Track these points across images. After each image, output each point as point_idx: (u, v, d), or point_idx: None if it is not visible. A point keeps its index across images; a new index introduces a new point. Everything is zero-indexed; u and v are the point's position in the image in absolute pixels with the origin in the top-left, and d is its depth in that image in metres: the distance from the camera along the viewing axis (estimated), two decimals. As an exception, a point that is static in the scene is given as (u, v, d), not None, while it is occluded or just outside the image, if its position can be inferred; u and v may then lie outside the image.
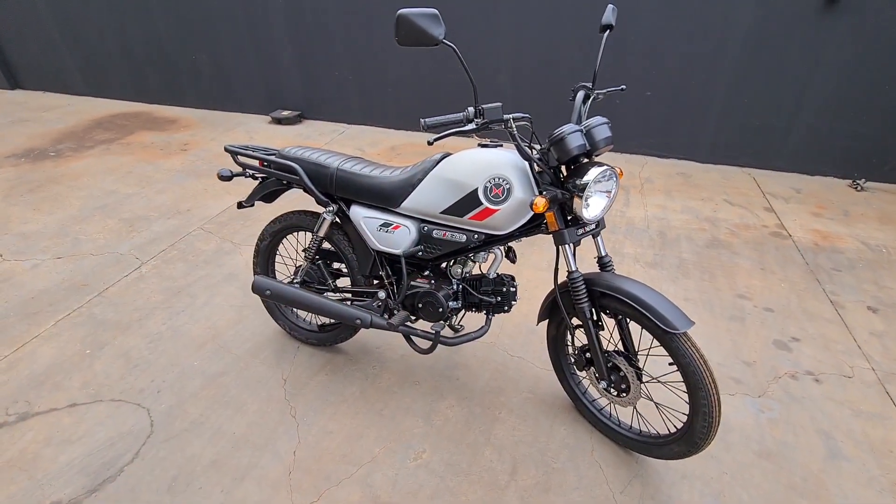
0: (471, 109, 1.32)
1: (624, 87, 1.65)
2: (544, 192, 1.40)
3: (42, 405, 1.88)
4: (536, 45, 4.14)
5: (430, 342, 1.71)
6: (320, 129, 5.05)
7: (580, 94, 1.55)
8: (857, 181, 3.75)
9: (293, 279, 1.98)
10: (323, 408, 1.87)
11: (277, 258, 2.56)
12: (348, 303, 1.90)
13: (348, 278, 2.00)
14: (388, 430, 1.78)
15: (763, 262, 2.79)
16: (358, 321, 1.75)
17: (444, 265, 1.81)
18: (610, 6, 1.57)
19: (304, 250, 1.94)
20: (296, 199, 3.46)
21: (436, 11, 1.18)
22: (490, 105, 1.30)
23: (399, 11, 1.16)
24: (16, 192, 3.64)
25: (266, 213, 3.31)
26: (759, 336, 2.23)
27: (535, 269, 2.73)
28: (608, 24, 1.54)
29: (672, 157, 4.27)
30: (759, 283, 2.60)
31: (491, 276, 1.70)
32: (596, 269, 1.58)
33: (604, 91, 1.60)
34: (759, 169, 4.06)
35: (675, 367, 1.38)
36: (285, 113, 5.21)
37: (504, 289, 1.69)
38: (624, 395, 1.55)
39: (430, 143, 1.29)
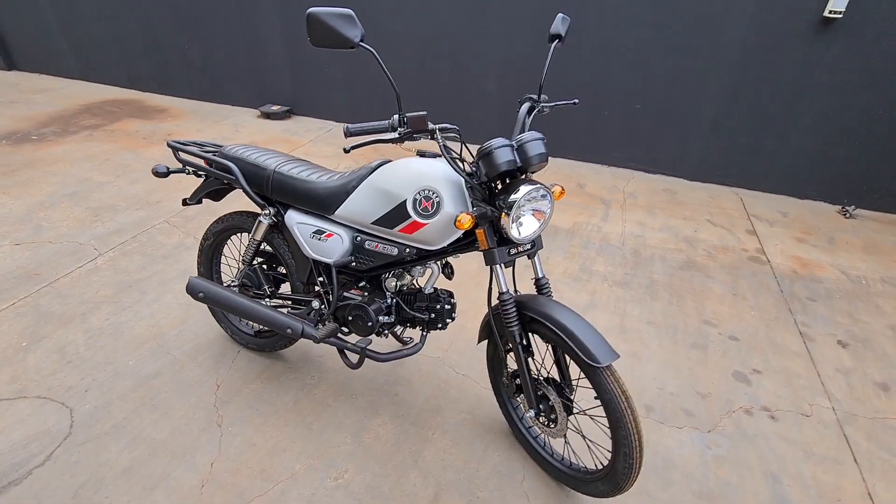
0: (396, 117, 1.25)
1: (577, 101, 1.57)
2: (473, 209, 1.32)
3: (-36, 398, 1.82)
4: (525, 50, 4.05)
5: (358, 356, 1.63)
6: (308, 126, 5.00)
7: (524, 106, 1.48)
8: (847, 207, 3.64)
9: (232, 282, 1.92)
10: (252, 417, 1.80)
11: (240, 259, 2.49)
12: (285, 310, 1.83)
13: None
14: (313, 445, 1.71)
15: (736, 288, 2.69)
16: (288, 330, 1.68)
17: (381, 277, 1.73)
18: (560, 15, 1.49)
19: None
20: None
21: (351, 12, 1.10)
22: (414, 113, 1.23)
23: (309, 10, 1.08)
24: (-11, 175, 3.60)
25: (233, 208, 3.25)
26: (720, 366, 2.14)
27: (499, 282, 2.65)
28: (556, 34, 1.47)
29: (660, 172, 4.17)
30: (728, 310, 2.50)
31: (427, 292, 1.62)
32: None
33: (551, 104, 1.52)
34: (748, 189, 3.95)
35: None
36: (274, 108, 5.16)
37: (439, 305, 1.61)
38: (552, 425, 1.47)
39: (346, 151, 1.21)
